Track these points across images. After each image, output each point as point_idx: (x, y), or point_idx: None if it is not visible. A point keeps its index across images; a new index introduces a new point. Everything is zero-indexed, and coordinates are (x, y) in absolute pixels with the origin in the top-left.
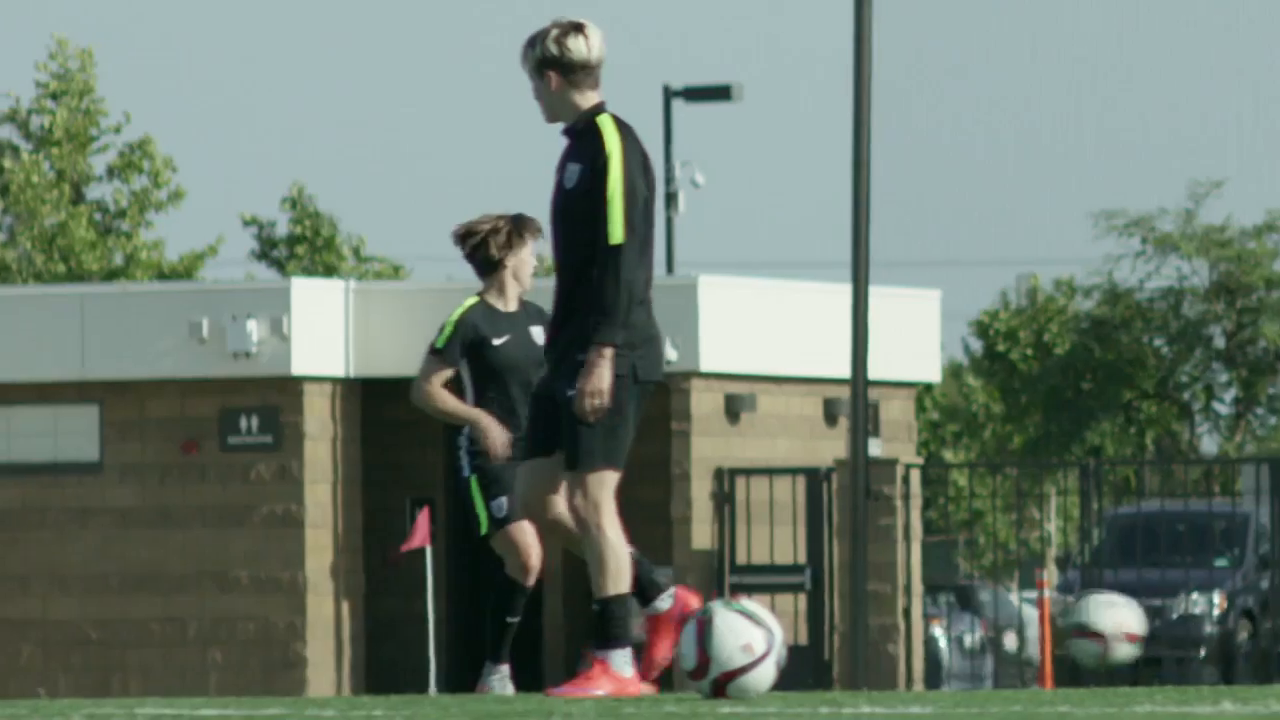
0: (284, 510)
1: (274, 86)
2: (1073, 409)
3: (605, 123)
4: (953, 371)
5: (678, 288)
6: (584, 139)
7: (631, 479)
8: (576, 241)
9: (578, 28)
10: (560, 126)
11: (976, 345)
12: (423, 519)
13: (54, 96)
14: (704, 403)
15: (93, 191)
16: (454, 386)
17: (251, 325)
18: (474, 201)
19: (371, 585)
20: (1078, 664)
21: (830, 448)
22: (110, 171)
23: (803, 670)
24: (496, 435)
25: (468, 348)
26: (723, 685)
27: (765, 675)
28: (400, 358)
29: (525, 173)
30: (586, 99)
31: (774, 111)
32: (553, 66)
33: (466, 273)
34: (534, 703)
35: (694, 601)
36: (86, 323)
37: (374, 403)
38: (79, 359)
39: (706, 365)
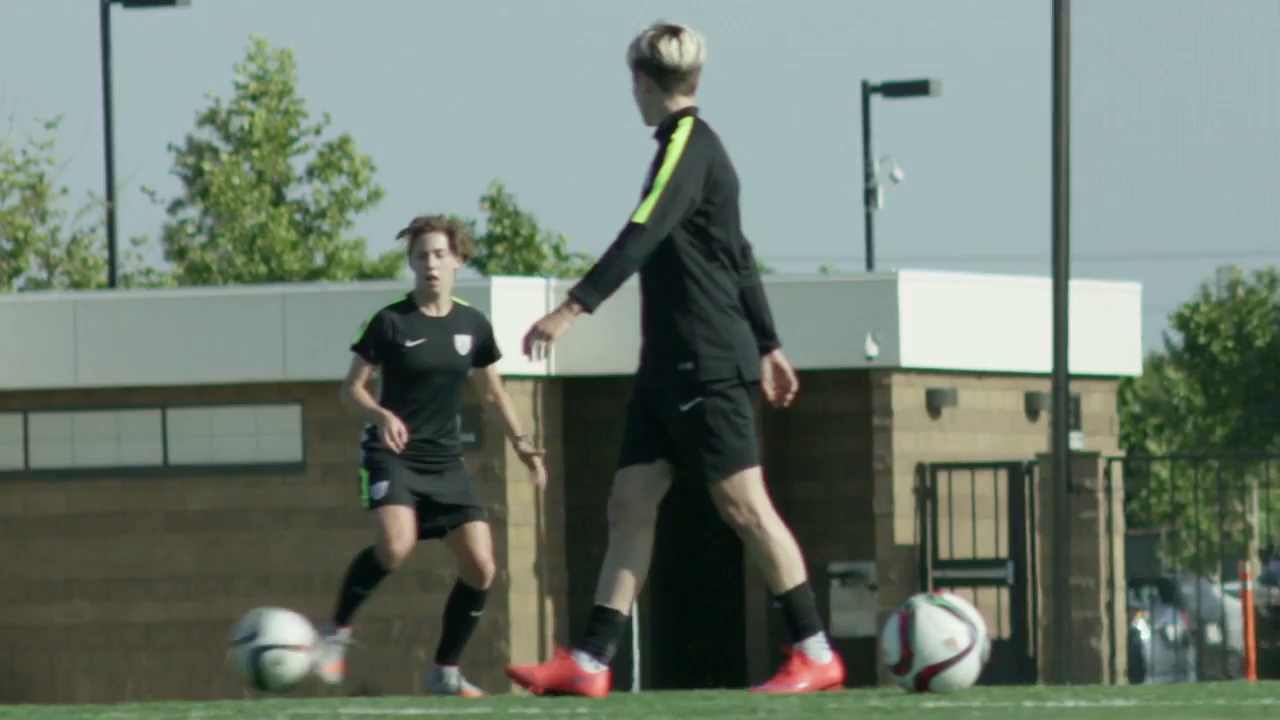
0: (488, 508)
1: (472, 86)
2: (1274, 401)
3: (684, 124)
4: (1153, 364)
5: (878, 283)
6: (663, 140)
7: (834, 474)
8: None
9: (674, 32)
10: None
11: (1177, 338)
12: None
13: (253, 98)
14: (905, 398)
15: (293, 192)
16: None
17: None
18: None
19: (574, 583)
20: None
21: (1032, 441)
22: (310, 172)
23: (1006, 664)
24: (393, 427)
25: (382, 345)
26: (926, 679)
27: (969, 669)
28: (602, 355)
29: None
30: (676, 103)
31: (973, 106)
32: (644, 68)
33: None
34: (738, 699)
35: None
36: (288, 323)
37: (576, 400)
38: (281, 359)
39: (907, 360)
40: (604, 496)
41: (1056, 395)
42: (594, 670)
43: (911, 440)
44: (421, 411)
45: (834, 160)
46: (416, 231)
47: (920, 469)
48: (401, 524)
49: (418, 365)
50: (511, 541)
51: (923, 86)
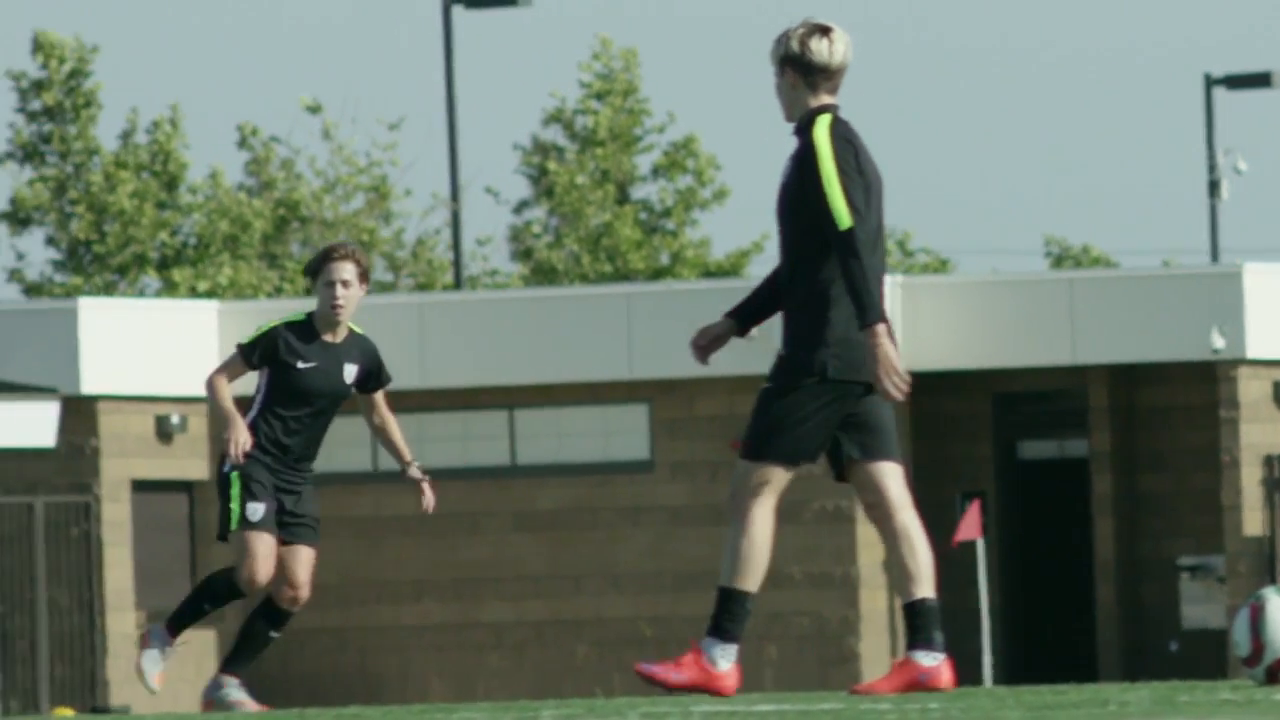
0: (835, 506)
1: None
2: None
3: (822, 118)
4: None
5: (1223, 276)
6: (802, 137)
7: (1182, 467)
8: (786, 238)
9: (824, 30)
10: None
11: None
12: (973, 511)
13: (598, 97)
14: (1251, 390)
15: (638, 191)
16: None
17: None
18: (1019, 194)
19: None
20: None
21: None
22: (655, 171)
23: None
24: (238, 440)
25: (270, 359)
26: (1277, 672)
27: None
28: (948, 351)
29: (1071, 163)
30: (819, 100)
31: None
32: (792, 64)
33: (1012, 263)
34: (1089, 693)
35: None
36: (633, 322)
37: (923, 396)
38: (627, 358)
39: (1253, 352)
40: (951, 491)
41: None
42: (933, 663)
43: (1259, 432)
44: (296, 431)
45: (1177, 153)
46: (325, 259)
47: (1268, 461)
48: (269, 551)
49: (303, 387)
50: (860, 539)
51: (1265, 79)
